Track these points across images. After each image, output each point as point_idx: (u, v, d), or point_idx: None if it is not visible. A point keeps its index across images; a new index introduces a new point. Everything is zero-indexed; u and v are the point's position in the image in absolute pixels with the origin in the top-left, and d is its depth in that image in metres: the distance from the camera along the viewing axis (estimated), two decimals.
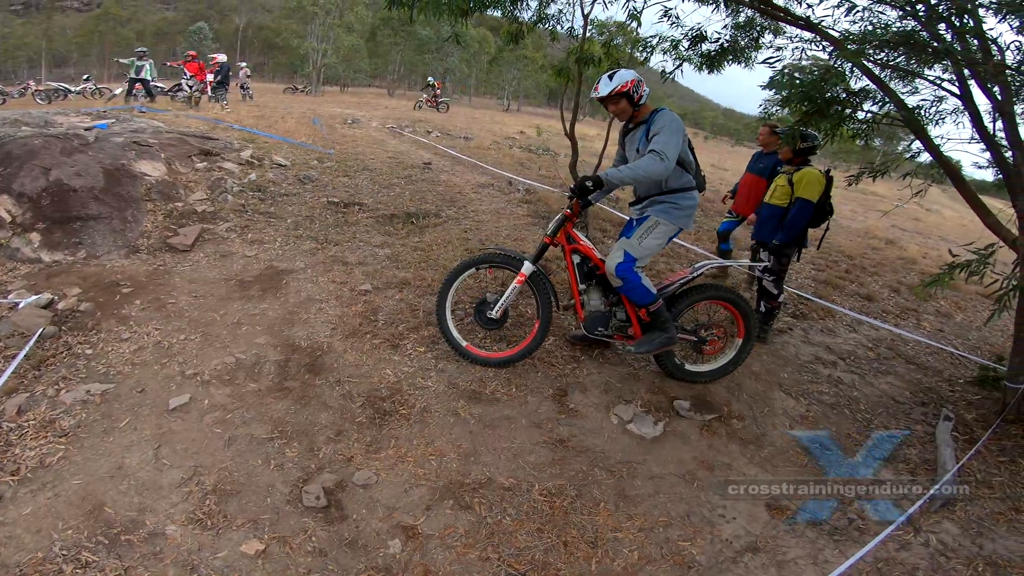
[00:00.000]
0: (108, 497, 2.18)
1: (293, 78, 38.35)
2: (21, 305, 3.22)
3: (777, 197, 3.96)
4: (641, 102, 2.86)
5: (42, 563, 1.87)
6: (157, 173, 4.83)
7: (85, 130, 5.28)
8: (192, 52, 12.95)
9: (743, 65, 4.53)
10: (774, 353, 3.90)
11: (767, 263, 3.94)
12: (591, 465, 2.59)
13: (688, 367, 3.26)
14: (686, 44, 4.71)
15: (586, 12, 5.68)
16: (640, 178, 2.68)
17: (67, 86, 16.55)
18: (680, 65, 4.72)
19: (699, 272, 3.11)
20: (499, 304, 3.13)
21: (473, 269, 3.18)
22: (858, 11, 3.32)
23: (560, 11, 5.20)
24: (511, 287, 3.08)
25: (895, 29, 3.15)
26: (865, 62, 3.11)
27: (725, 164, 19.51)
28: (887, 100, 3.36)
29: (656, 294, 2.92)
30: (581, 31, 5.77)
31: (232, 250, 4.20)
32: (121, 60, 13.09)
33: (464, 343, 3.22)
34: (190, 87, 11.72)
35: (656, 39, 4.87)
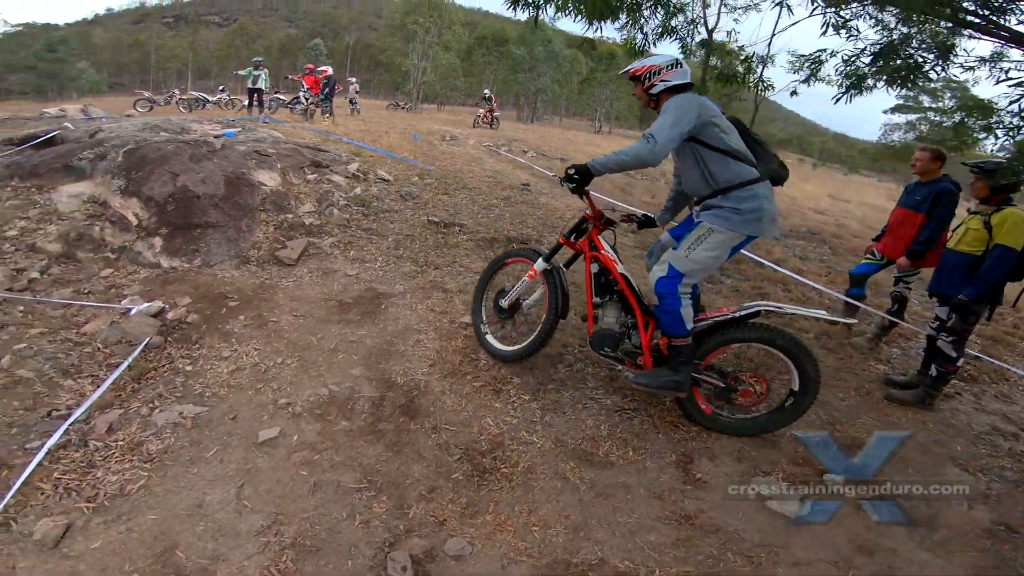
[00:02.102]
0: (183, 539, 2.01)
1: (395, 95, 40.57)
2: (133, 312, 3.21)
3: (967, 243, 3.27)
4: (654, 90, 2.49)
5: None
6: (272, 183, 4.88)
7: (214, 138, 5.52)
8: (310, 65, 13.67)
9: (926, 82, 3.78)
10: (943, 422, 3.33)
11: (945, 320, 3.31)
12: (723, 548, 2.20)
13: (718, 415, 2.80)
14: (867, 59, 3.99)
15: (711, 27, 5.16)
16: (627, 163, 2.32)
17: (206, 96, 18.20)
18: (857, 84, 4.02)
19: (745, 312, 2.59)
20: (509, 295, 3.07)
21: (508, 261, 3.16)
22: None
23: (693, 21, 4.69)
24: (521, 280, 3.01)
25: None
26: None
27: (844, 194, 17.64)
28: None
29: (689, 330, 2.50)
30: (705, 47, 5.22)
31: (334, 267, 4.08)
32: (239, 72, 14.01)
33: (485, 330, 3.20)
34: (306, 99, 12.39)
35: (824, 53, 4.21)
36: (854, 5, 3.95)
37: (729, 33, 4.81)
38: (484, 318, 3.23)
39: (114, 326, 3.16)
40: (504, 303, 3.09)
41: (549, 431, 2.75)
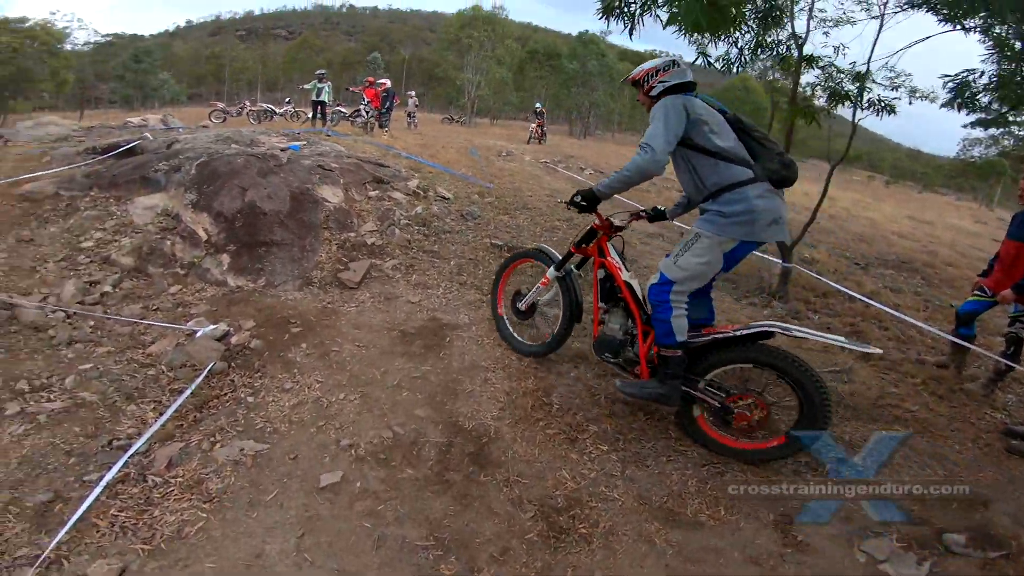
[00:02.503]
0: None
1: (448, 108, 41.16)
2: (198, 335, 3.13)
3: None
4: (654, 92, 2.45)
5: None
6: (336, 200, 4.81)
7: (281, 150, 5.55)
8: (370, 78, 13.82)
9: None
10: None
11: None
12: None
13: (716, 435, 2.62)
14: (984, 79, 3.49)
15: (800, 41, 4.72)
16: (630, 178, 2.32)
17: (273, 108, 18.86)
18: (970, 104, 3.52)
19: (748, 332, 2.37)
20: (525, 299, 3.20)
21: (517, 261, 3.33)
22: None
23: (793, 35, 4.27)
24: (536, 286, 3.13)
25: None
26: None
27: (924, 215, 16.29)
28: None
29: (679, 342, 2.39)
30: (798, 63, 4.79)
31: (397, 292, 3.90)
32: (304, 86, 14.31)
33: (506, 321, 3.35)
34: (366, 112, 12.52)
35: (973, 74, 3.72)
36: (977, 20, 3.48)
37: (836, 49, 4.37)
38: (506, 317, 3.40)
39: (179, 348, 3.08)
40: (521, 306, 3.22)
41: (631, 487, 2.47)
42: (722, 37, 3.97)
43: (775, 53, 4.42)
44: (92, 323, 3.36)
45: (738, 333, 2.38)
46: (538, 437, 2.72)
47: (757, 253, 5.61)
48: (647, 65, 2.51)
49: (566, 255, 2.97)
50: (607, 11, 3.35)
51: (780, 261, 5.06)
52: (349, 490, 2.33)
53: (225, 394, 2.89)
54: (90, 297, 3.66)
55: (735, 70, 4.45)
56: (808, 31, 4.64)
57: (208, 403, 2.83)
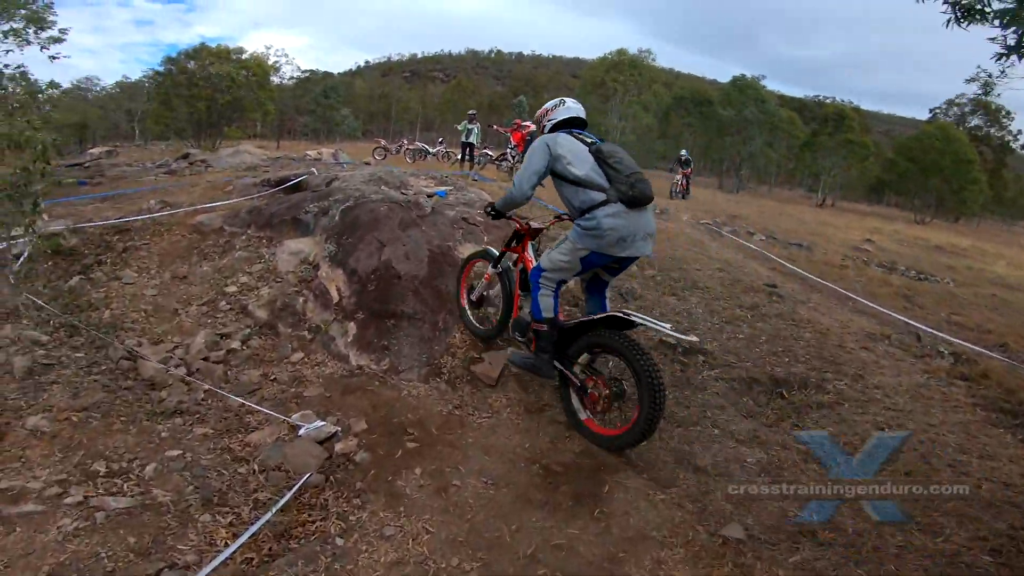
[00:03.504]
0: None
1: None
2: (302, 432, 2.56)
3: None
4: (546, 130, 2.91)
5: None
6: (478, 263, 4.19)
7: (427, 196, 5.18)
8: (518, 121, 13.63)
9: None
10: None
11: None
12: None
13: (579, 415, 2.77)
14: None
15: None
16: (509, 203, 2.89)
17: (427, 147, 19.91)
18: None
19: (596, 317, 2.69)
20: (475, 291, 3.54)
21: (473, 260, 3.61)
22: None
23: None
24: (481, 282, 3.50)
25: None
26: None
27: None
28: None
29: (544, 317, 2.73)
30: None
31: (543, 400, 3.04)
32: (457, 126, 14.54)
33: (467, 310, 3.52)
34: (512, 157, 12.24)
35: None
36: None
37: None
38: (467, 307, 3.55)
39: (278, 445, 2.53)
40: (473, 297, 3.53)
41: None
42: None
43: None
44: (207, 388, 3.02)
45: (592, 317, 2.70)
46: None
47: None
48: (545, 106, 3.00)
49: (500, 254, 3.33)
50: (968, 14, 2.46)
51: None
52: None
53: (314, 521, 2.25)
54: (216, 353, 3.39)
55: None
56: None
57: (292, 530, 2.21)
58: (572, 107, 2.87)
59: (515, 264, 3.27)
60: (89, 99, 41.39)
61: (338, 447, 2.54)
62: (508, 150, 12.68)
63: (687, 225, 8.42)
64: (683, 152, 17.96)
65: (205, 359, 3.38)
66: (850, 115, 35.62)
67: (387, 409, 2.79)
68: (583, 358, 2.75)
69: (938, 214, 32.06)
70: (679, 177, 16.51)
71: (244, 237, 4.82)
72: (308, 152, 13.77)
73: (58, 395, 2.83)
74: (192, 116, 20.80)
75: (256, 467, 2.47)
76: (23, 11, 8.23)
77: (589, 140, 2.69)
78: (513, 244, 3.27)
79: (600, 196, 2.52)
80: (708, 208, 12.93)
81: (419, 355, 3.19)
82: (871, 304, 5.63)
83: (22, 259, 4.18)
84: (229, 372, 3.33)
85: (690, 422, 2.99)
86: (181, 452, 2.48)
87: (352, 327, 3.36)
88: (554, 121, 2.85)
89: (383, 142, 20.40)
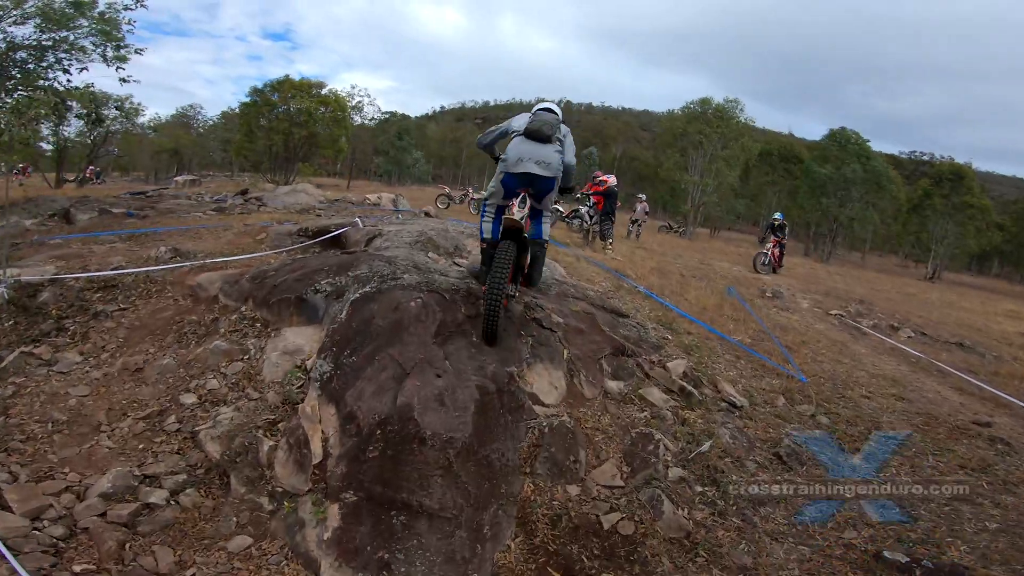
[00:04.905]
0: None
1: (663, 214, 37.04)
2: None
3: None
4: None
5: None
6: (552, 398, 2.68)
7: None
8: (598, 172, 11.90)
9: None
10: None
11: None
12: None
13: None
14: None
15: None
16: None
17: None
18: None
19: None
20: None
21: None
22: None
23: None
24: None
25: None
26: None
27: None
28: None
29: (483, 238, 3.30)
30: None
31: None
32: None
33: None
34: (590, 217, 10.50)
35: None
36: None
37: None
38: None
39: None
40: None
41: None
42: None
43: None
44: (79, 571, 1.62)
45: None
46: None
47: None
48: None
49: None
50: None
51: None
52: None
53: None
54: (124, 507, 2.03)
55: None
56: None
57: None
58: (519, 118, 3.46)
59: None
60: (194, 127, 44.47)
61: None
62: (585, 208, 10.73)
63: (812, 316, 6.48)
64: (777, 215, 15.28)
65: (102, 515, 2.04)
66: (969, 174, 31.46)
67: None
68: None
69: None
70: (770, 245, 13.94)
71: (235, 316, 3.56)
72: (368, 196, 12.92)
73: None
74: (270, 149, 21.15)
75: None
76: (86, 23, 7.70)
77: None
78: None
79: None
80: (814, 285, 10.72)
81: None
82: None
83: None
84: (129, 546, 1.95)
85: None
86: None
87: (335, 514, 1.90)
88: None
89: (447, 189, 19.56)
